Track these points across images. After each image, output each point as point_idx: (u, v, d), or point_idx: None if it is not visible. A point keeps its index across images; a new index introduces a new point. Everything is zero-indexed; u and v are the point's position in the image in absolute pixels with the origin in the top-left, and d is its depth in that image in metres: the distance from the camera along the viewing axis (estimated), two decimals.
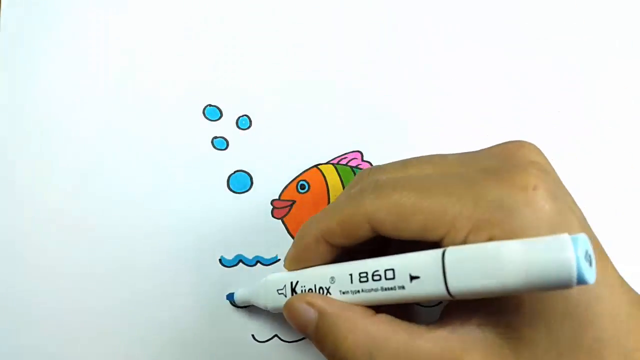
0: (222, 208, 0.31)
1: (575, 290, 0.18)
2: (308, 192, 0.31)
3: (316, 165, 0.31)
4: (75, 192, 0.31)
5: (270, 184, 0.31)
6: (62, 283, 0.30)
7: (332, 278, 0.23)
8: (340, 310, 0.22)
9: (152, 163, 0.31)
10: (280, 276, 0.26)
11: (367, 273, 0.22)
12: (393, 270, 0.21)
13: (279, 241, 0.30)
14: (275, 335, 0.29)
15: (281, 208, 0.31)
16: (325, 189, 0.31)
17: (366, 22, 0.32)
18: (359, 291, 0.22)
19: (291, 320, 0.24)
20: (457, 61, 0.32)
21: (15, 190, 0.31)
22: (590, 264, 0.17)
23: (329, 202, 0.31)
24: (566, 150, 0.31)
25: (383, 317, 0.22)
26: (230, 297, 0.29)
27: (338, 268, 0.23)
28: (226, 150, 0.31)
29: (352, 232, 0.22)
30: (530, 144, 0.22)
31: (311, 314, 0.23)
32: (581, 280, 0.17)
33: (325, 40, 0.32)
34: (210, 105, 0.32)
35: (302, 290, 0.24)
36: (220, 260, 0.30)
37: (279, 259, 0.30)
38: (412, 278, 0.20)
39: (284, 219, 0.30)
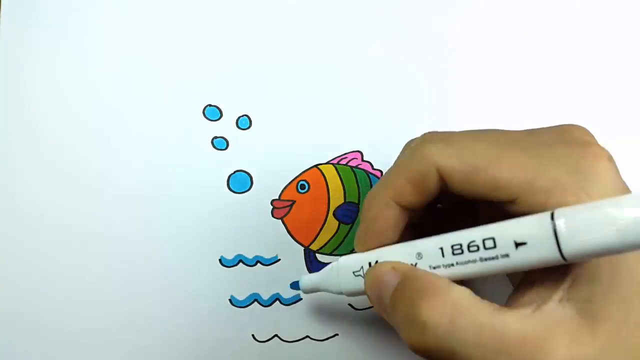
0: (222, 208, 0.31)
1: None
2: (308, 192, 0.31)
3: (316, 165, 0.31)
4: (75, 192, 0.31)
5: (270, 184, 0.31)
6: (61, 283, 0.30)
7: (419, 254, 0.21)
8: (424, 275, 0.20)
9: (152, 163, 0.31)
10: (355, 257, 0.24)
11: (461, 245, 0.20)
12: (493, 238, 0.19)
13: (279, 241, 0.30)
14: (275, 335, 0.29)
15: (281, 208, 0.31)
16: (325, 189, 0.31)
17: (366, 22, 0.32)
18: (452, 264, 0.20)
19: (370, 290, 0.22)
20: (457, 61, 0.32)
21: (13, 190, 0.31)
22: None
23: (329, 202, 0.31)
24: None
25: (466, 289, 0.20)
26: (295, 285, 0.29)
27: (423, 243, 0.21)
28: (226, 150, 0.31)
29: (422, 187, 0.21)
30: (582, 127, 0.22)
31: (393, 277, 0.21)
32: None
33: (325, 40, 0.32)
34: (210, 105, 0.32)
35: None
36: (220, 260, 0.30)
37: (279, 259, 0.30)
38: (518, 245, 0.19)
39: (284, 219, 0.30)
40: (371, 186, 0.31)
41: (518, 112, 0.31)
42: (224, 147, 0.31)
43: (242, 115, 0.31)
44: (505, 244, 0.19)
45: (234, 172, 0.31)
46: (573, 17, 0.32)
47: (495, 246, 0.19)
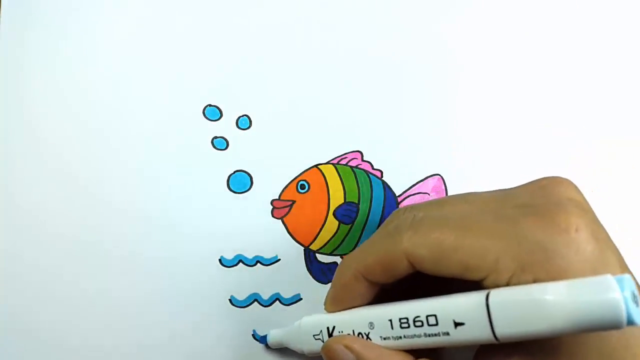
0: (222, 208, 0.31)
1: (614, 331, 0.18)
2: (308, 192, 0.31)
3: (316, 165, 0.31)
4: (75, 192, 0.31)
5: (270, 184, 0.31)
6: (61, 283, 0.30)
7: (371, 323, 0.22)
8: (379, 356, 0.22)
9: (152, 163, 0.31)
10: (316, 320, 0.25)
11: (407, 319, 0.21)
12: (435, 316, 0.20)
13: (279, 241, 0.30)
14: None
15: (281, 208, 0.31)
16: (325, 189, 0.31)
17: (366, 22, 0.32)
18: (400, 337, 0.21)
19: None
20: (457, 61, 0.32)
21: (12, 191, 0.31)
22: (637, 305, 0.17)
23: (329, 202, 0.31)
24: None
25: None
26: (263, 339, 0.29)
27: (376, 312, 0.23)
28: (226, 150, 0.31)
29: (390, 270, 0.22)
30: (566, 180, 0.22)
31: (349, 358, 0.22)
32: (630, 321, 0.16)
33: (325, 40, 0.32)
34: (210, 105, 0.32)
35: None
36: (220, 260, 0.30)
37: (279, 259, 0.30)
38: (457, 324, 0.20)
39: (284, 219, 0.30)
40: (371, 186, 0.31)
41: (518, 112, 0.31)
42: (224, 147, 0.31)
43: (242, 115, 0.32)
44: (445, 322, 0.20)
45: (234, 172, 0.31)
46: (572, 17, 0.32)
47: (437, 323, 0.20)
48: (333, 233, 0.30)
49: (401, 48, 0.32)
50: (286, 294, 0.30)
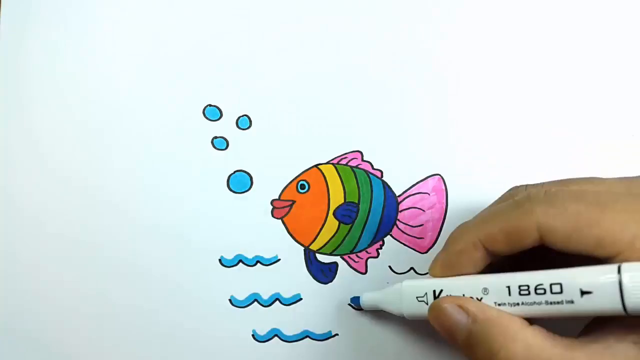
0: (222, 208, 0.31)
1: None
2: (308, 192, 0.31)
3: (316, 165, 0.31)
4: (75, 193, 0.31)
5: (270, 184, 0.31)
6: (61, 284, 0.30)
7: (485, 289, 0.22)
8: (497, 318, 0.22)
9: (152, 163, 0.31)
10: (420, 283, 0.25)
11: (528, 286, 0.21)
12: (560, 284, 0.21)
13: (279, 241, 0.30)
14: (275, 335, 0.29)
15: (281, 208, 0.31)
16: (325, 189, 0.31)
17: (366, 22, 0.32)
18: (518, 304, 0.22)
19: (437, 323, 0.23)
20: (457, 62, 0.32)
21: (12, 191, 0.31)
22: None
23: (329, 202, 0.31)
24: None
25: (538, 329, 0.21)
26: (355, 300, 0.29)
27: (493, 279, 0.23)
28: (226, 150, 0.31)
29: (516, 241, 0.22)
30: None
31: (463, 318, 0.22)
32: None
33: (325, 41, 0.32)
34: (210, 105, 0.32)
35: None
36: (220, 260, 0.30)
37: (279, 259, 0.30)
38: (583, 293, 0.20)
39: (284, 219, 0.30)
40: (371, 186, 0.31)
41: (518, 112, 0.31)
42: (224, 147, 0.31)
43: (242, 115, 0.32)
44: (571, 291, 0.20)
45: (234, 172, 0.31)
46: (572, 17, 0.32)
47: (561, 291, 0.21)
48: (333, 233, 0.30)
49: (401, 48, 0.32)
50: (286, 294, 0.30)
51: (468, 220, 0.25)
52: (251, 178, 0.31)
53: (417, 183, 0.31)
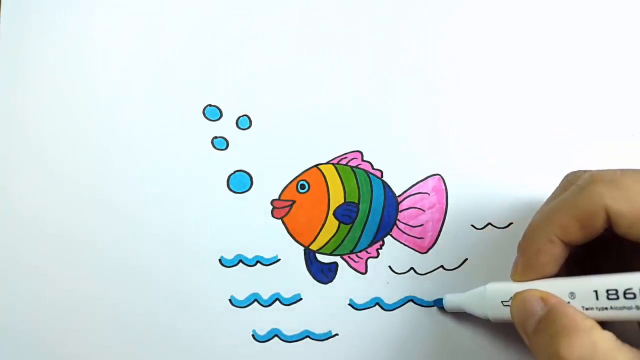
0: (222, 208, 0.31)
1: None
2: (308, 192, 0.31)
3: (316, 165, 0.31)
4: (74, 192, 0.31)
5: (270, 184, 0.31)
6: (60, 284, 0.30)
7: (572, 293, 0.22)
8: (571, 312, 0.21)
9: (152, 163, 0.31)
10: (505, 287, 0.24)
11: (616, 290, 0.21)
12: None
13: (279, 241, 0.30)
14: (275, 335, 0.29)
15: (281, 208, 0.31)
16: (325, 189, 0.31)
17: (366, 23, 0.32)
18: (606, 308, 0.21)
19: (515, 312, 0.23)
20: (457, 61, 0.32)
21: (12, 191, 0.31)
22: None
23: (329, 202, 0.30)
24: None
25: (609, 334, 0.21)
26: (438, 302, 0.29)
27: (578, 282, 0.22)
28: (226, 150, 0.31)
29: (589, 226, 0.21)
30: None
31: (539, 306, 0.22)
32: None
33: (325, 41, 0.32)
34: (210, 105, 0.32)
35: None
36: (220, 260, 0.30)
37: (279, 259, 0.30)
38: None
39: (284, 219, 0.30)
40: (371, 186, 0.31)
41: (518, 112, 0.31)
42: (224, 147, 0.31)
43: (242, 115, 0.32)
44: None
45: (234, 172, 0.31)
46: (573, 16, 0.32)
47: None
48: (333, 233, 0.30)
49: (401, 48, 0.32)
50: (286, 294, 0.30)
51: (535, 218, 0.24)
52: (251, 178, 0.31)
53: (417, 183, 0.31)
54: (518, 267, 0.24)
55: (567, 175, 0.25)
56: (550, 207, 0.23)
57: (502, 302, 0.24)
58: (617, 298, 0.21)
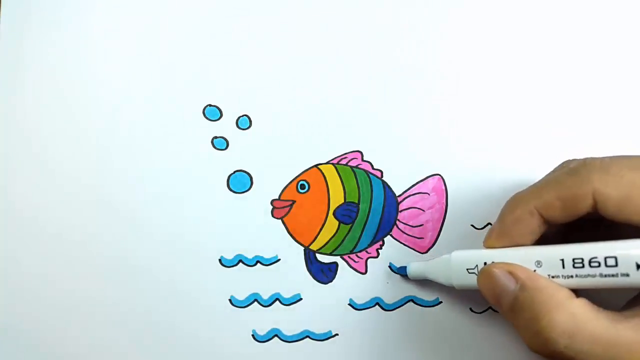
0: (222, 208, 0.31)
1: None
2: (308, 192, 0.31)
3: (316, 165, 0.31)
4: (74, 193, 0.31)
5: (270, 184, 0.31)
6: (60, 284, 0.30)
7: (539, 262, 0.23)
8: (544, 287, 0.22)
9: (152, 163, 0.31)
10: (470, 254, 0.25)
11: (582, 259, 0.22)
12: (615, 257, 0.21)
13: (279, 241, 0.30)
14: (275, 335, 0.29)
15: (281, 208, 0.31)
16: (325, 189, 0.31)
17: (366, 23, 0.32)
18: (571, 276, 0.22)
19: (485, 288, 0.24)
20: (457, 62, 0.32)
21: (11, 191, 0.31)
22: None
23: (329, 202, 0.31)
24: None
25: (584, 301, 0.22)
26: (401, 270, 0.29)
27: (546, 251, 0.23)
28: (226, 150, 0.31)
29: (571, 207, 0.22)
30: None
31: (511, 284, 0.23)
32: None
33: (325, 41, 0.32)
34: (210, 105, 0.32)
35: None
36: (220, 260, 0.30)
37: (279, 259, 0.30)
38: (639, 266, 0.20)
39: (284, 219, 0.30)
40: (371, 186, 0.31)
41: (518, 112, 0.31)
42: (224, 147, 0.31)
43: (242, 115, 0.32)
44: (627, 264, 0.21)
45: (234, 172, 0.31)
46: (573, 16, 0.32)
47: (616, 265, 0.21)
48: (333, 233, 0.30)
49: (401, 48, 0.32)
50: (286, 294, 0.30)
51: (522, 190, 0.24)
52: (251, 178, 0.31)
53: (417, 183, 0.31)
54: (493, 233, 0.25)
55: (563, 162, 0.25)
56: (538, 183, 0.24)
57: (467, 269, 0.25)
58: (583, 267, 0.22)
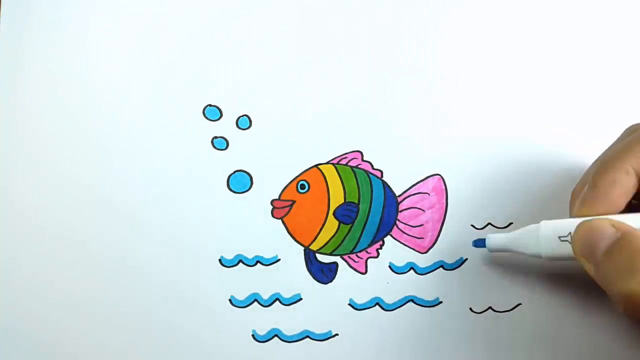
0: (222, 208, 0.31)
1: None
2: (308, 192, 0.31)
3: (316, 165, 0.31)
4: (74, 193, 0.31)
5: (270, 184, 0.31)
6: (60, 284, 0.30)
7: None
8: None
9: (152, 163, 0.31)
10: (563, 222, 0.24)
11: None
12: None
13: (279, 241, 0.30)
14: (275, 335, 0.29)
15: (281, 208, 0.31)
16: (325, 189, 0.31)
17: (366, 23, 0.32)
18: None
19: (581, 237, 0.22)
20: (457, 61, 0.32)
21: (9, 191, 0.31)
22: None
23: (329, 202, 0.30)
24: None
25: None
26: (479, 242, 0.28)
27: None
28: (226, 150, 0.31)
29: None
30: None
31: (610, 231, 0.22)
32: None
33: (325, 41, 0.32)
34: (210, 105, 0.32)
35: None
36: (220, 260, 0.30)
37: (279, 259, 0.30)
38: None
39: (284, 219, 0.30)
40: (371, 186, 0.31)
41: (517, 112, 0.31)
42: (224, 147, 0.31)
43: (242, 115, 0.32)
44: None
45: (234, 172, 0.31)
46: (573, 17, 0.32)
47: None
48: (333, 233, 0.30)
49: (401, 48, 0.32)
50: (286, 294, 0.30)
51: (609, 151, 0.24)
52: (251, 178, 0.31)
53: (417, 183, 0.31)
54: (587, 199, 0.23)
55: (629, 127, 0.25)
56: (626, 142, 0.23)
57: (559, 237, 0.24)
58: None
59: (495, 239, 0.27)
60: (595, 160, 0.24)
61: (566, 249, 0.24)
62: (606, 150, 0.24)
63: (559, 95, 0.31)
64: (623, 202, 0.23)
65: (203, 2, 0.33)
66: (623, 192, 0.23)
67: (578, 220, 0.23)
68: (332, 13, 0.33)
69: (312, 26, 0.32)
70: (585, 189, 0.24)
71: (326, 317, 0.30)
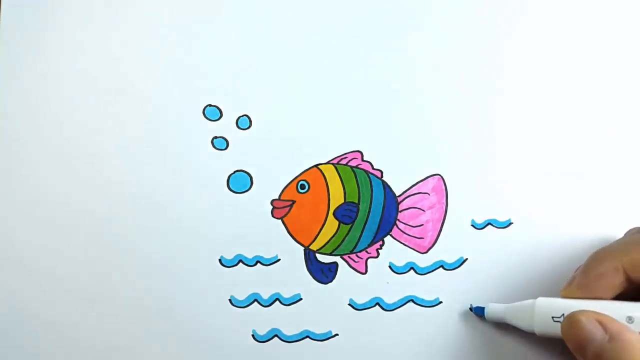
0: (222, 208, 0.31)
1: None
2: (308, 192, 0.31)
3: (316, 165, 0.31)
4: (75, 193, 0.31)
5: (270, 184, 0.31)
6: (60, 283, 0.30)
7: (630, 318, 0.22)
8: (636, 340, 0.21)
9: (152, 163, 0.31)
10: (556, 302, 0.25)
11: None
12: None
13: (279, 241, 0.30)
14: (275, 335, 0.29)
15: (281, 208, 0.31)
16: (325, 189, 0.31)
17: (366, 22, 0.32)
18: None
19: (570, 334, 0.23)
20: (457, 61, 0.32)
21: (9, 190, 0.31)
22: None
23: (329, 202, 0.30)
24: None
25: None
26: (479, 310, 0.28)
27: (637, 307, 0.22)
28: (226, 150, 0.31)
29: None
30: None
31: (599, 333, 0.22)
32: None
33: (325, 41, 0.32)
34: (210, 105, 0.32)
35: None
36: (220, 260, 0.30)
37: (279, 259, 0.30)
38: None
39: (284, 219, 0.30)
40: (371, 186, 0.31)
41: (517, 112, 0.31)
42: (224, 147, 0.31)
43: (242, 115, 0.32)
44: None
45: (234, 172, 0.31)
46: (573, 17, 0.32)
47: None
48: (333, 233, 0.30)
49: (401, 48, 0.32)
50: (286, 294, 0.30)
51: (608, 245, 0.25)
52: (251, 178, 0.31)
53: (417, 183, 0.31)
54: (574, 284, 0.24)
55: (635, 227, 0.26)
56: (626, 240, 0.24)
57: (552, 317, 0.24)
58: None
59: (492, 309, 0.28)
60: (596, 251, 0.25)
61: (559, 330, 0.24)
62: (608, 245, 0.25)
63: (559, 94, 0.31)
64: (608, 296, 0.24)
65: (203, 2, 0.33)
66: (609, 286, 0.23)
67: (571, 304, 0.24)
68: (332, 13, 0.33)
69: (312, 26, 0.32)
70: (577, 273, 0.25)
71: (326, 317, 0.30)
